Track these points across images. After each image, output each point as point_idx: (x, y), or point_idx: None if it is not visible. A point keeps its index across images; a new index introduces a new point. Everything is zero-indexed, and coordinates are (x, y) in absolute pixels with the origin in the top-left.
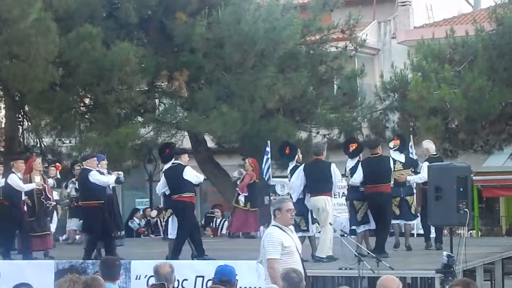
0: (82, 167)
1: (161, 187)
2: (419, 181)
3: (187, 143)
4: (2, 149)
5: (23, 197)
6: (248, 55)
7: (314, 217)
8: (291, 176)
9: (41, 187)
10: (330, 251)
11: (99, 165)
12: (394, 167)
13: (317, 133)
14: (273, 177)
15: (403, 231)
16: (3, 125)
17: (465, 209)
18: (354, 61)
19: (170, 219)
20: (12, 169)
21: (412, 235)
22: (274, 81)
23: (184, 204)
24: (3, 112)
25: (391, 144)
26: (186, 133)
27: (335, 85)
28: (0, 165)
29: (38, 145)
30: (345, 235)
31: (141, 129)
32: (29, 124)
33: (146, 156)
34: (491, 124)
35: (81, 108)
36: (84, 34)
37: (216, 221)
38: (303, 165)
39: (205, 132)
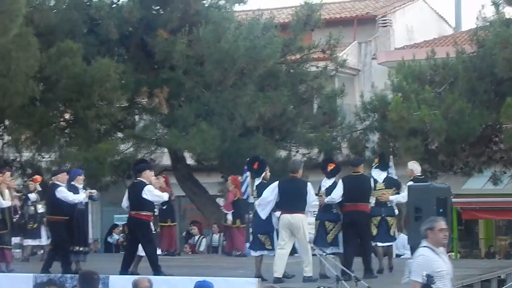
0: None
1: (125, 202)
2: (402, 200)
3: (166, 160)
4: None
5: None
6: (228, 73)
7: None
8: (257, 192)
9: (17, 204)
10: (311, 272)
11: (75, 180)
12: (375, 186)
13: (297, 152)
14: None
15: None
16: None
17: None
18: (334, 81)
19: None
20: None
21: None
22: (254, 99)
23: (141, 221)
24: None
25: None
26: (165, 150)
27: (315, 105)
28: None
29: (18, 159)
30: (324, 253)
31: (121, 145)
32: (9, 138)
33: (126, 172)
34: (471, 146)
35: (61, 123)
36: (64, 49)
37: (194, 238)
38: (277, 181)
39: (184, 149)
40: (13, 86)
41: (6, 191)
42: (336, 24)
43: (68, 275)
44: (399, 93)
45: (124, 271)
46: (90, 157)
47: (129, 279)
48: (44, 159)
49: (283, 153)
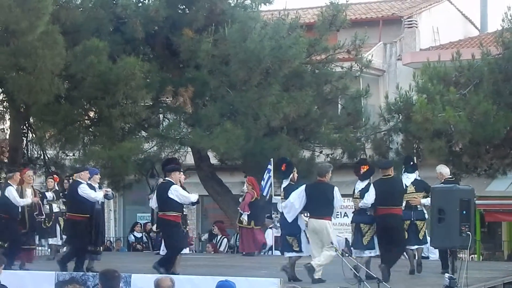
0: (73, 179)
1: (153, 203)
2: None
3: (190, 159)
4: (6, 160)
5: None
6: (253, 73)
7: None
8: (284, 194)
9: (36, 202)
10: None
11: (91, 179)
12: (406, 189)
13: (320, 152)
14: (275, 195)
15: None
16: (7, 136)
17: (468, 232)
18: (359, 81)
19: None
20: (9, 181)
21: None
22: (278, 99)
23: (166, 221)
24: (8, 123)
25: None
26: (189, 149)
27: (339, 105)
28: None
29: (42, 157)
30: (346, 254)
31: (145, 144)
32: (33, 136)
33: (149, 171)
34: (495, 148)
35: (86, 121)
36: (90, 47)
37: (216, 237)
38: (304, 185)
39: (208, 149)
40: (39, 83)
41: (29, 190)
42: (361, 24)
43: (90, 273)
44: (423, 94)
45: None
46: (114, 155)
47: (151, 278)
48: (68, 157)
49: (306, 154)
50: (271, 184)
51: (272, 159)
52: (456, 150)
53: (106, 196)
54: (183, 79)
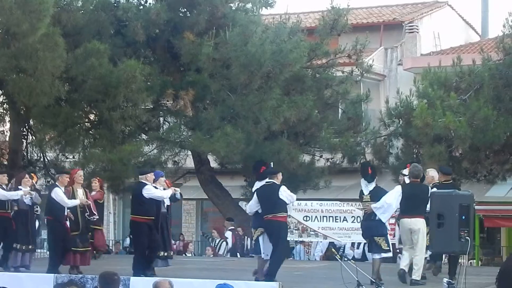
0: (138, 180)
1: (254, 206)
2: None
3: (190, 163)
4: (5, 162)
5: (66, 212)
6: (254, 77)
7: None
8: (375, 197)
9: (85, 203)
10: (419, 277)
11: (156, 182)
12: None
13: (321, 156)
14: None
15: None
16: (7, 138)
17: (467, 237)
18: (359, 86)
19: (260, 238)
20: (56, 183)
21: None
22: (279, 103)
23: (279, 224)
24: (8, 125)
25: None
26: (189, 152)
27: (340, 110)
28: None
29: (42, 159)
30: (345, 259)
31: (145, 147)
32: (33, 138)
33: None
34: (495, 154)
35: (86, 123)
36: (91, 50)
37: (215, 241)
38: (399, 186)
39: (208, 152)
40: (39, 85)
41: (80, 191)
42: (362, 29)
43: (89, 276)
44: (424, 99)
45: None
46: (114, 158)
47: (149, 280)
48: (67, 160)
49: (307, 158)
50: None
51: (272, 163)
52: (456, 155)
53: (173, 196)
54: (183, 82)
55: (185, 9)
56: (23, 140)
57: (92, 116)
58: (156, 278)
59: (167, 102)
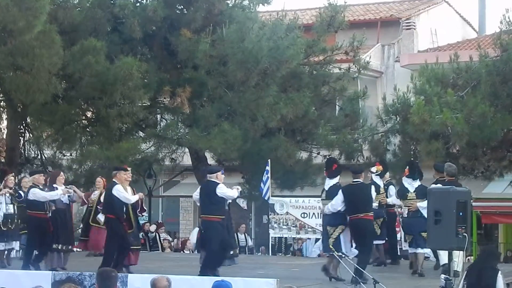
0: (207, 179)
1: (340, 204)
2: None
3: (187, 160)
4: (3, 160)
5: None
6: (251, 74)
7: None
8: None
9: (143, 198)
10: None
11: (217, 178)
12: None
13: (318, 153)
14: (272, 196)
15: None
16: (4, 136)
17: (464, 234)
18: (357, 83)
19: (342, 236)
20: (114, 180)
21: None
22: (276, 100)
23: (369, 222)
24: (5, 123)
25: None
26: (187, 150)
27: (337, 106)
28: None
29: (39, 157)
30: (344, 256)
31: (142, 144)
32: (31, 135)
33: (146, 171)
34: (493, 150)
35: (83, 121)
36: (88, 47)
37: None
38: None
39: (205, 149)
40: (36, 83)
41: (129, 188)
42: (360, 26)
43: (87, 273)
44: (421, 96)
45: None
46: (111, 155)
47: (147, 277)
48: (65, 157)
49: (304, 155)
50: (269, 185)
51: (269, 160)
52: (453, 152)
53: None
54: (181, 79)
55: (182, 6)
56: (20, 137)
57: (89, 114)
58: (154, 275)
59: (164, 99)
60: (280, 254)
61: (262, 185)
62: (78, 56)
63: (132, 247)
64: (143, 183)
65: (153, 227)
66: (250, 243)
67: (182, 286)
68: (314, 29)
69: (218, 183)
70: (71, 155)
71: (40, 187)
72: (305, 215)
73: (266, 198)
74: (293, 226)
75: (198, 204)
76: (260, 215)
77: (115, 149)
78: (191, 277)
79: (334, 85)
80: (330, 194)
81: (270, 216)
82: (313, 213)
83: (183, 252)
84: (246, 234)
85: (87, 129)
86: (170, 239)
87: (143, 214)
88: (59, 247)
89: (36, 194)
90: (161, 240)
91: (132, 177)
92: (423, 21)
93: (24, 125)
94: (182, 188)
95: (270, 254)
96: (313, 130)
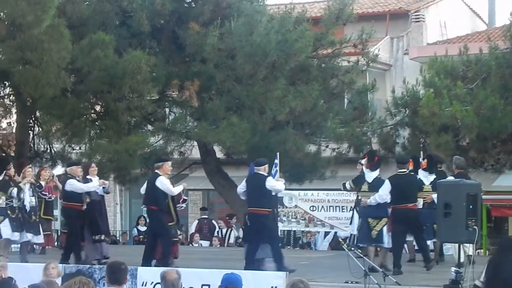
0: (254, 172)
1: (387, 195)
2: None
3: (196, 153)
4: (12, 154)
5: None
6: (260, 67)
7: None
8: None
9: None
10: None
11: (262, 170)
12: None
13: (326, 146)
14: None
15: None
16: (14, 130)
17: (474, 227)
18: (365, 76)
19: (385, 228)
20: (158, 171)
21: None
22: (284, 93)
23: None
24: (15, 117)
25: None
26: (195, 143)
27: (346, 99)
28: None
29: (48, 150)
30: (352, 249)
31: (151, 138)
32: (40, 129)
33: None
34: (503, 143)
35: (92, 115)
36: (96, 41)
37: (222, 231)
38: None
39: (214, 142)
40: (45, 77)
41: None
42: (368, 18)
43: (96, 266)
44: (431, 88)
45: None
46: (120, 149)
47: (157, 270)
48: (74, 151)
49: (312, 148)
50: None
51: (278, 154)
52: (463, 144)
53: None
54: (189, 73)
55: (190, 0)
56: (29, 131)
57: (98, 107)
58: (163, 268)
59: (173, 93)
60: (288, 247)
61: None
62: (87, 50)
63: (175, 239)
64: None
65: None
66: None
67: (191, 278)
68: (323, 22)
69: (267, 176)
70: (80, 148)
71: (77, 178)
72: (314, 208)
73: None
74: (302, 219)
75: (243, 197)
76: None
77: (124, 142)
78: (200, 270)
79: (342, 78)
80: (375, 186)
81: (279, 209)
82: (322, 206)
83: (192, 245)
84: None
85: (96, 123)
86: (179, 232)
87: (183, 205)
88: (98, 238)
89: (74, 185)
90: None
91: (140, 171)
92: (432, 13)
93: (33, 119)
94: (191, 182)
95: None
96: (321, 123)
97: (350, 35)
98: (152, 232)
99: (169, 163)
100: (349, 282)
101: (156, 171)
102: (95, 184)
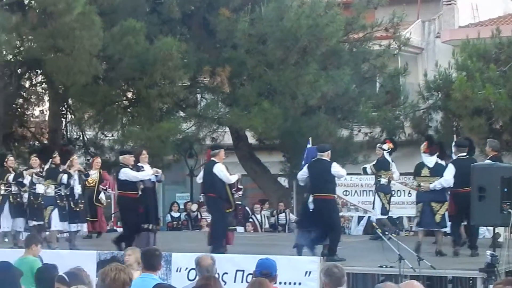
0: (317, 158)
1: (452, 178)
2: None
3: (228, 139)
4: (45, 141)
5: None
6: (291, 52)
7: None
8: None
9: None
10: None
11: (325, 156)
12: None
13: (359, 131)
14: None
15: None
16: (46, 118)
17: (509, 210)
18: (397, 59)
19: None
20: (214, 159)
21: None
22: (316, 78)
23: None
24: (47, 105)
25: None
26: (227, 129)
27: (377, 83)
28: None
29: (81, 138)
30: (387, 233)
31: (183, 124)
32: (72, 117)
33: (187, 151)
34: None
35: (124, 102)
36: (127, 28)
37: (256, 216)
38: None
39: (246, 128)
40: (77, 65)
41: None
42: (399, 2)
43: None
44: (463, 72)
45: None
46: (152, 136)
47: (191, 256)
48: (106, 138)
49: (345, 132)
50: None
51: (310, 139)
52: (496, 127)
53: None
54: (220, 59)
55: None
56: (62, 119)
57: (129, 94)
58: (198, 254)
59: (204, 79)
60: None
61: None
62: (118, 37)
63: (231, 227)
64: (185, 162)
65: (194, 207)
66: (293, 220)
67: (226, 264)
68: (354, 6)
69: (332, 162)
70: (112, 135)
71: (130, 167)
72: (347, 192)
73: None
74: None
75: (302, 184)
76: (302, 193)
77: (156, 129)
78: (235, 255)
79: (374, 62)
80: (436, 171)
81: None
82: (355, 191)
83: None
84: (287, 212)
85: (128, 109)
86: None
87: (239, 193)
88: (149, 227)
89: (128, 174)
90: (202, 219)
91: (173, 157)
92: None
93: (65, 106)
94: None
95: None
96: (353, 107)
97: (382, 18)
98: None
99: (224, 151)
100: (384, 266)
101: (212, 158)
102: (148, 172)
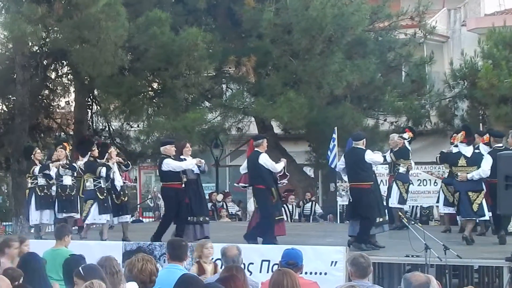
0: (353, 146)
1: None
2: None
3: (254, 129)
4: (71, 132)
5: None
6: (316, 41)
7: None
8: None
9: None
10: None
11: (355, 143)
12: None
13: (385, 120)
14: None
15: None
16: (72, 109)
17: None
18: (423, 48)
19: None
20: (258, 149)
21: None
22: (341, 68)
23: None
24: (73, 95)
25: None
26: (253, 119)
27: (403, 72)
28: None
29: (107, 128)
30: (413, 222)
31: (208, 114)
32: (98, 108)
33: (213, 141)
34: None
35: (149, 92)
36: (153, 19)
37: (288, 206)
38: None
39: (271, 118)
40: (102, 55)
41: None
42: None
43: (157, 243)
44: (489, 60)
45: None
46: (178, 126)
47: (217, 247)
48: (132, 129)
49: (370, 122)
50: (335, 153)
51: (336, 128)
52: None
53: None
54: (245, 48)
55: None
56: (88, 110)
57: (155, 85)
58: (224, 244)
59: (229, 69)
60: (348, 222)
61: (329, 153)
62: (143, 27)
63: (277, 218)
64: (210, 153)
65: (220, 197)
66: (319, 210)
67: (252, 254)
68: None
69: (366, 150)
70: (138, 126)
71: (172, 157)
72: None
73: (333, 166)
74: None
75: (343, 174)
76: (327, 183)
77: (182, 119)
78: (260, 246)
79: (400, 51)
80: (474, 161)
81: (337, 184)
82: (381, 180)
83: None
84: (313, 202)
85: (154, 100)
86: (237, 208)
87: (285, 181)
88: (195, 219)
89: (171, 164)
90: (228, 209)
91: (199, 147)
92: None
93: (91, 97)
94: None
95: (338, 222)
96: (379, 96)
97: (407, 7)
98: None
99: (266, 141)
100: (410, 255)
101: (256, 148)
102: (192, 162)
